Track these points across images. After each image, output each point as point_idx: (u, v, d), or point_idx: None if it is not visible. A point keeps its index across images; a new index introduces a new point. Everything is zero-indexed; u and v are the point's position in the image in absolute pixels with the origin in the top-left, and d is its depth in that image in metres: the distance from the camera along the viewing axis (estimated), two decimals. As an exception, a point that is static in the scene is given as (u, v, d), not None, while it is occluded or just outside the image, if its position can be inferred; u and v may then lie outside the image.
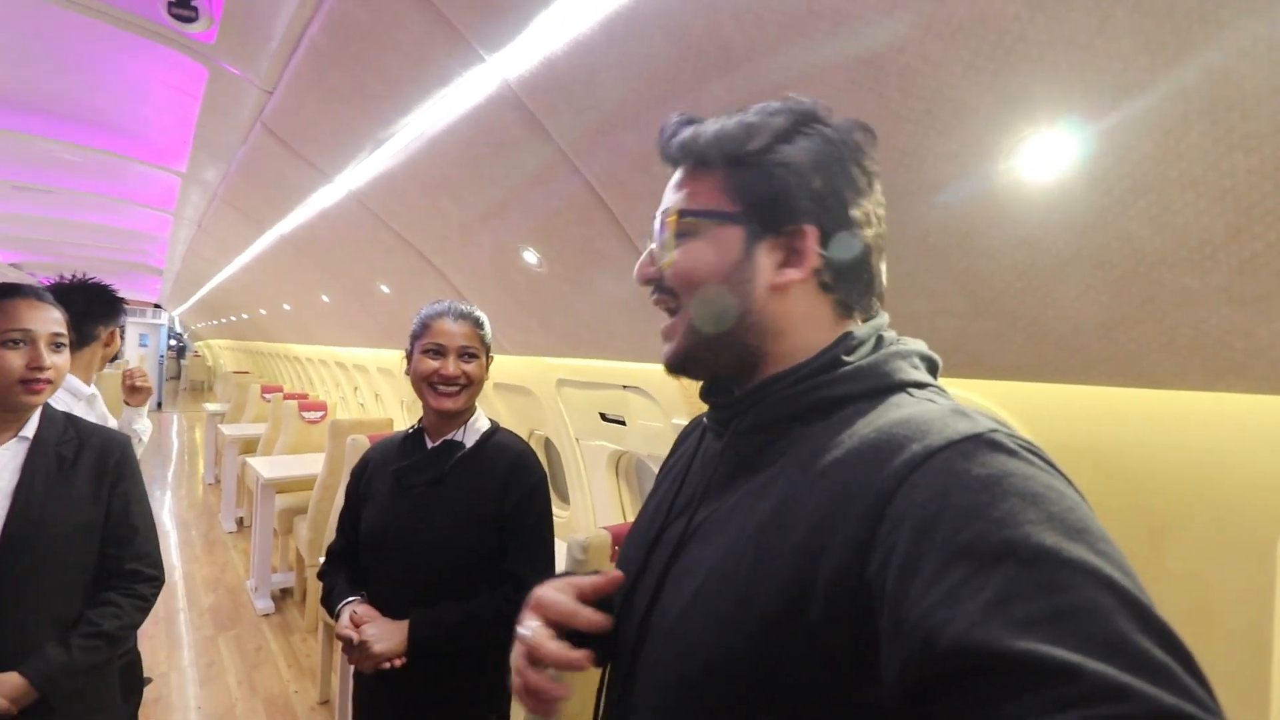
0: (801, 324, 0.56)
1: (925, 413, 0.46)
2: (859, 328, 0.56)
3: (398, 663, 1.19)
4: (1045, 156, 0.81)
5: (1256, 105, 0.66)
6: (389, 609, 1.25)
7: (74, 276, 1.78)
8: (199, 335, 15.93)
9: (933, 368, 0.56)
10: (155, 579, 1.33)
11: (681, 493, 0.62)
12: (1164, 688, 0.30)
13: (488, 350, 1.36)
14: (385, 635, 1.20)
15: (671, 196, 0.60)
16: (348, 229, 2.63)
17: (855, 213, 0.55)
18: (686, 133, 0.59)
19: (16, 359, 1.17)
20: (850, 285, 0.57)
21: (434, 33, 1.25)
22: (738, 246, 0.56)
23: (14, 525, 1.14)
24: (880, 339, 0.56)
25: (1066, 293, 0.93)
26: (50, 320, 1.23)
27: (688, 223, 0.57)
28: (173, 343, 17.82)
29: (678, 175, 0.60)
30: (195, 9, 1.47)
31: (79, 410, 1.57)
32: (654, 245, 0.60)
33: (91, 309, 1.74)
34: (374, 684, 1.30)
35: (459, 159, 1.65)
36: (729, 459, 0.57)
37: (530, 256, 1.86)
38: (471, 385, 1.30)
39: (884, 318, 0.59)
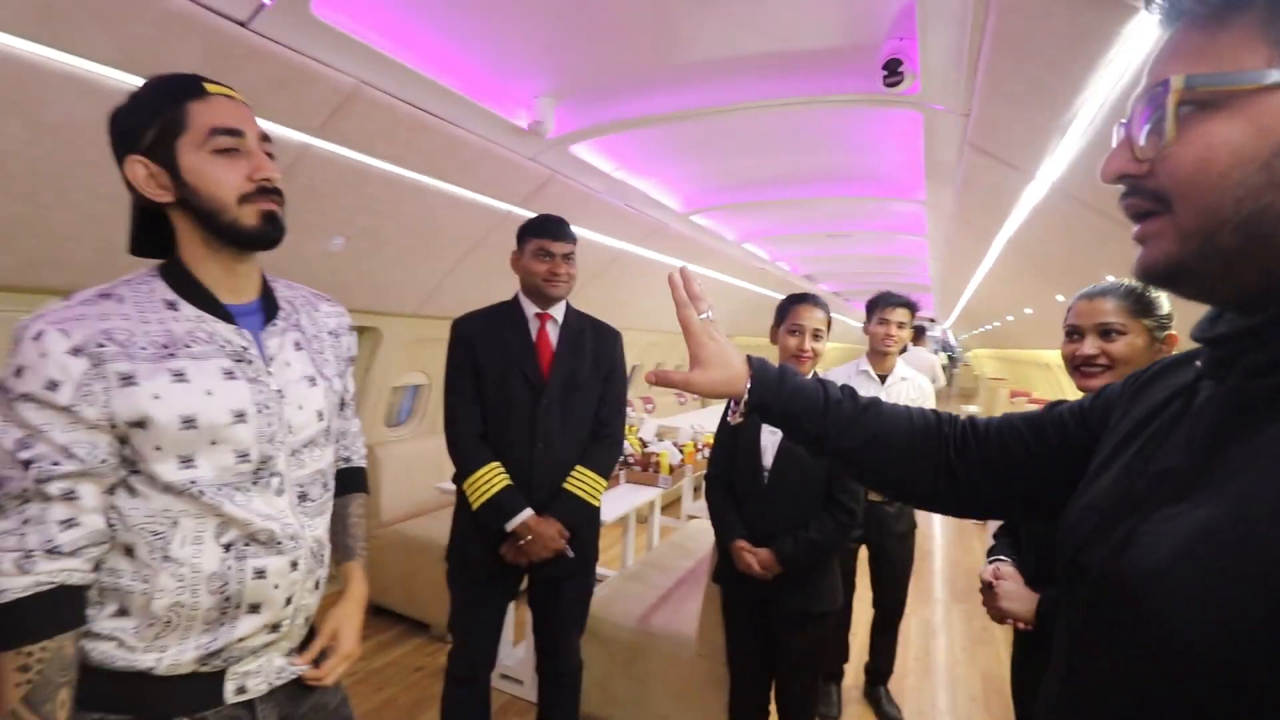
0: None
1: None
2: None
3: (1021, 625, 1.27)
4: None
5: None
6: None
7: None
8: (968, 346, 17.52)
9: None
10: (852, 511, 1.81)
11: (1165, 446, 0.51)
12: None
13: (1156, 327, 1.26)
14: (1016, 596, 1.31)
15: (1165, 65, 0.46)
16: (1061, 223, 2.59)
17: None
18: None
19: (793, 341, 1.86)
20: None
21: (1079, 5, 1.23)
22: None
23: (782, 449, 1.83)
24: None
25: None
26: (814, 319, 1.86)
27: (1201, 92, 0.43)
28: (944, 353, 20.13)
29: (1172, 37, 0.47)
30: (901, 74, 1.90)
31: None
32: (1134, 130, 0.47)
33: None
34: (1022, 654, 1.38)
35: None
36: (1231, 405, 0.46)
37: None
38: (1116, 365, 1.23)
39: None
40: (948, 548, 4.94)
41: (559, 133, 2.47)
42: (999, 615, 1.33)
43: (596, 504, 1.86)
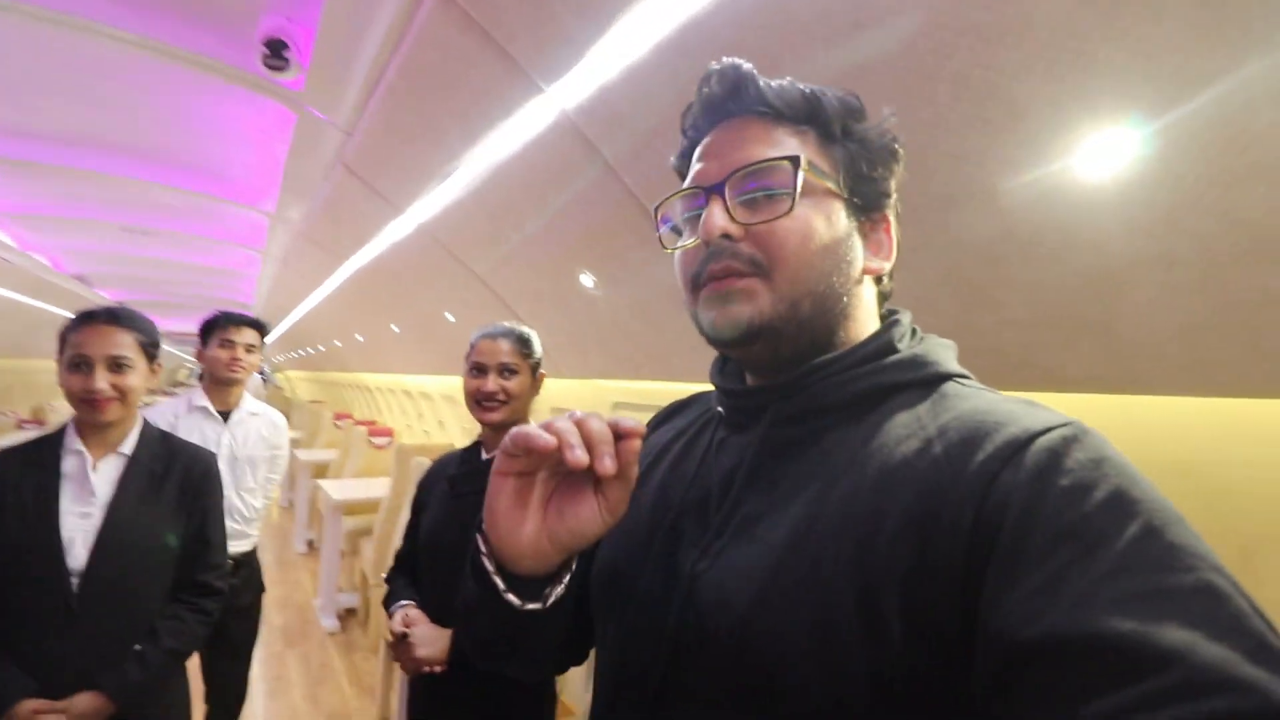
0: (863, 314, 0.54)
1: (1001, 402, 0.45)
2: (903, 315, 0.55)
3: (437, 668, 1.23)
4: (1105, 155, 0.79)
5: (1332, 90, 0.64)
6: (439, 614, 1.29)
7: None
8: (280, 368, 16.93)
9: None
10: (221, 592, 1.39)
11: (695, 487, 0.55)
12: None
13: (535, 366, 1.40)
14: (429, 640, 1.24)
15: (763, 146, 0.51)
16: (417, 260, 2.78)
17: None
18: (779, 82, 0.52)
19: (76, 381, 1.23)
20: (891, 279, 0.57)
21: (497, 69, 1.33)
22: (843, 223, 0.52)
23: (106, 536, 1.22)
24: (914, 330, 0.55)
25: (1137, 298, 0.89)
26: (111, 344, 1.25)
27: (812, 179, 0.50)
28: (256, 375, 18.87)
29: (761, 126, 0.52)
30: (286, 59, 1.63)
31: None
32: (734, 195, 0.50)
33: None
34: (425, 695, 1.33)
35: (521, 186, 1.73)
36: (764, 450, 0.51)
37: (587, 280, 1.92)
38: (512, 400, 1.35)
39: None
40: (273, 587, 4.54)
41: None
42: (415, 665, 1.26)
43: None
